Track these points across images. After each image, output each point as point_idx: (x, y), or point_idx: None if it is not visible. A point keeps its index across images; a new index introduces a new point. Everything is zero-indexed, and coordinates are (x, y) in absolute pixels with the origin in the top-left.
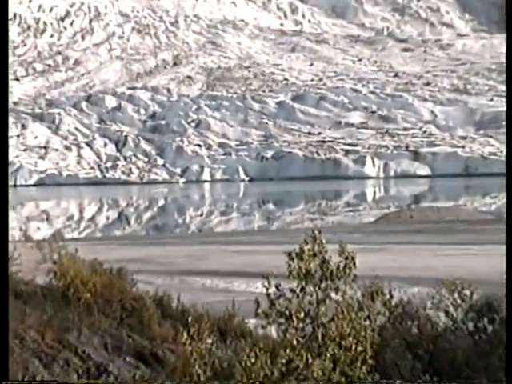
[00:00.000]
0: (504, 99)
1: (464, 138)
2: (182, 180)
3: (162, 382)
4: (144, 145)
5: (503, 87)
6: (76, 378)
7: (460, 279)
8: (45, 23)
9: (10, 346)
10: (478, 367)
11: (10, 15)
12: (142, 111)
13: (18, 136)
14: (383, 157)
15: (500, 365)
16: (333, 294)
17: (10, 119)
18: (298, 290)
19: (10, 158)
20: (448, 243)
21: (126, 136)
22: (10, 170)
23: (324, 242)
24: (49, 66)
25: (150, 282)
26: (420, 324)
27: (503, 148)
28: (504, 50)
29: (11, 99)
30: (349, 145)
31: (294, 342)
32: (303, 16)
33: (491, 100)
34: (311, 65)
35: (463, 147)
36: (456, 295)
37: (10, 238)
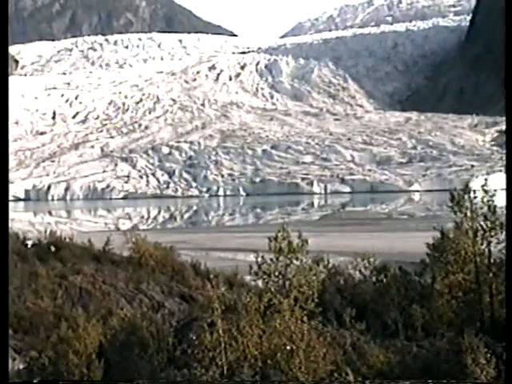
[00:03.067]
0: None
1: (370, 170)
2: (206, 195)
3: (176, 382)
4: (184, 174)
5: (394, 142)
6: (146, 309)
7: (368, 252)
8: (128, 105)
9: (108, 291)
10: (378, 303)
11: (109, 101)
12: (184, 155)
13: (112, 170)
14: (324, 181)
15: (389, 301)
16: (295, 261)
17: (107, 160)
18: (274, 259)
19: (108, 183)
20: (361, 231)
21: (174, 170)
22: (109, 190)
23: (289, 230)
24: (129, 130)
25: (188, 254)
26: (345, 278)
27: (393, 176)
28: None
29: (108, 149)
30: (304, 174)
31: (272, 289)
32: (277, 100)
33: (385, 149)
34: (282, 128)
35: (369, 176)
36: (365, 261)
37: (106, 229)
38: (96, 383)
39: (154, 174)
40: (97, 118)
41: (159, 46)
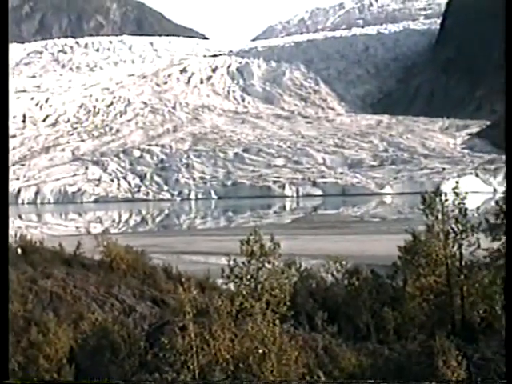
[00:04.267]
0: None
1: (341, 173)
2: (178, 198)
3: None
4: (156, 178)
5: (366, 145)
6: (117, 313)
7: (340, 255)
8: (98, 108)
9: (79, 295)
10: (350, 306)
11: (80, 104)
12: (155, 159)
13: (83, 174)
14: (296, 184)
15: (361, 304)
16: (267, 265)
17: (78, 163)
18: (246, 262)
19: (79, 187)
20: (333, 234)
21: (145, 173)
22: (79, 194)
23: (261, 234)
24: (101, 133)
25: (160, 257)
26: (317, 281)
27: (365, 179)
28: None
29: (79, 152)
30: (276, 177)
31: (244, 292)
32: (248, 103)
33: (357, 151)
34: (253, 131)
35: (341, 179)
36: (337, 264)
37: (77, 233)
38: (95, 383)
39: (125, 178)
40: (67, 122)
41: (130, 48)
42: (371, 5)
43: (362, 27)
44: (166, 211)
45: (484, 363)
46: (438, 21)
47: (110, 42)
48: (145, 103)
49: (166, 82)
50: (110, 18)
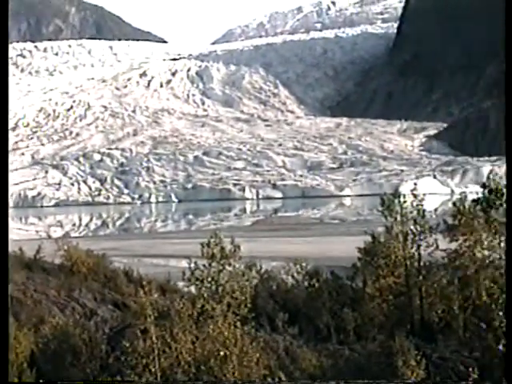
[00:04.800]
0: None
1: (301, 175)
2: (138, 202)
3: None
4: (116, 181)
5: (325, 147)
6: (78, 317)
7: (300, 257)
8: (58, 112)
9: (39, 299)
10: (310, 307)
11: (39, 108)
12: (115, 162)
13: (43, 177)
14: (256, 187)
15: (321, 306)
16: (227, 267)
17: (38, 167)
18: (207, 265)
19: (39, 191)
20: (293, 236)
21: (106, 177)
22: (40, 198)
23: (222, 236)
24: (60, 137)
25: (120, 261)
26: (277, 283)
27: (324, 181)
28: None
29: (39, 156)
30: (236, 180)
31: (205, 295)
32: (208, 106)
33: (316, 154)
34: (213, 134)
35: (301, 181)
36: (298, 266)
37: (38, 237)
38: (94, 383)
39: (85, 181)
40: (27, 126)
41: (89, 52)
42: (329, 9)
43: (321, 31)
44: (127, 214)
45: (442, 362)
46: (395, 25)
47: (70, 46)
48: (105, 107)
49: (125, 86)
50: (69, 22)
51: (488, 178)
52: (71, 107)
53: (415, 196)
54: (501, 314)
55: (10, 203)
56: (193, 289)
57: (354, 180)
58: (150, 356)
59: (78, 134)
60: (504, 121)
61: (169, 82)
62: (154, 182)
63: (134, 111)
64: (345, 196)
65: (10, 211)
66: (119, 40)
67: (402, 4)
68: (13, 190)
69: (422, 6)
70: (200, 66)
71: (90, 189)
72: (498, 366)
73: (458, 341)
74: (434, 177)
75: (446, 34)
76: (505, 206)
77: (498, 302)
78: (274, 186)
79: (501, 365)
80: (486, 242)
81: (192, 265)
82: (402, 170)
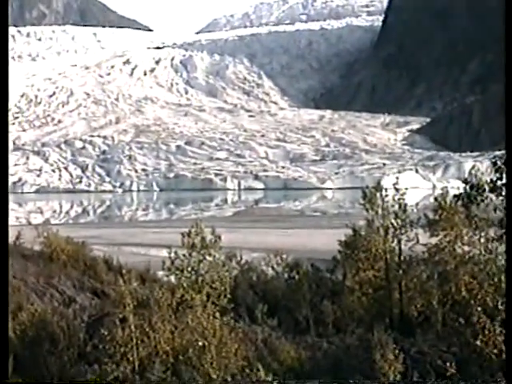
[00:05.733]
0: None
1: (283, 167)
2: (120, 190)
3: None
4: (98, 169)
5: (308, 139)
6: (57, 304)
7: (280, 248)
8: (40, 98)
9: (18, 285)
10: (290, 299)
11: (21, 93)
12: (97, 150)
13: (24, 163)
14: (237, 177)
15: (301, 298)
16: (208, 257)
17: (19, 153)
18: (187, 255)
19: (20, 177)
20: (274, 227)
21: (87, 164)
22: (20, 184)
23: (202, 226)
24: (42, 123)
25: (100, 249)
26: (257, 274)
27: (307, 173)
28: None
29: (20, 142)
30: (218, 170)
31: (185, 285)
32: (191, 95)
33: (299, 146)
34: (196, 124)
35: (283, 173)
36: (278, 258)
37: (17, 223)
38: (94, 383)
39: (66, 168)
40: (8, 111)
41: (73, 39)
42: (315, 0)
43: (306, 22)
44: (108, 203)
45: (420, 357)
46: (381, 18)
47: (53, 31)
48: (87, 94)
49: (109, 74)
50: (53, 8)
51: (470, 173)
52: (54, 93)
53: (397, 190)
54: (479, 309)
55: None
56: (172, 278)
57: (337, 173)
58: (128, 345)
59: (60, 121)
60: (485, 116)
61: (152, 70)
62: (136, 171)
63: (116, 99)
64: (327, 189)
65: None
66: (103, 27)
67: None
68: None
69: (408, 0)
70: (184, 55)
71: (71, 176)
72: (475, 361)
73: (437, 335)
74: (416, 171)
75: (431, 29)
76: (486, 201)
77: (476, 298)
78: (256, 177)
79: (477, 360)
80: (466, 238)
81: (172, 254)
82: (385, 164)
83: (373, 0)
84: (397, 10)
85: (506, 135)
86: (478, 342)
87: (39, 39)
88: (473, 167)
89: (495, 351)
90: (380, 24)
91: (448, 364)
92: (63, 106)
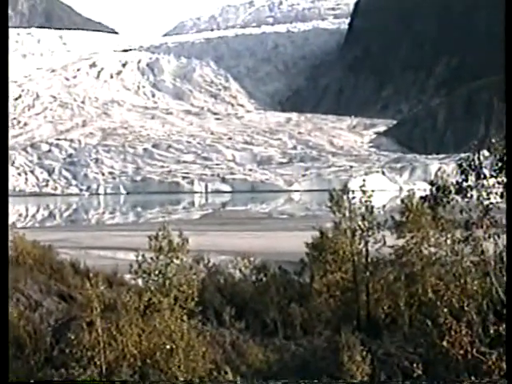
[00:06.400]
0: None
1: (250, 170)
2: (86, 193)
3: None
4: (64, 172)
5: (275, 142)
6: (23, 308)
7: (248, 251)
8: None
9: None
10: (258, 302)
11: None
12: (64, 153)
13: None
14: (205, 180)
15: (269, 300)
16: (175, 260)
17: None
18: (154, 258)
19: None
20: (242, 230)
21: (54, 167)
22: None
23: (170, 229)
24: (8, 126)
25: (67, 252)
26: (225, 277)
27: (274, 176)
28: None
29: None
30: (185, 173)
31: (152, 288)
32: (158, 98)
33: (266, 149)
34: (163, 126)
35: (250, 175)
36: (245, 260)
37: None
38: (95, 383)
39: (32, 172)
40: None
41: (39, 41)
42: (281, 3)
43: (272, 25)
44: (74, 206)
45: (387, 358)
46: (347, 21)
47: (18, 34)
48: (54, 97)
49: (75, 76)
50: (18, 10)
51: (436, 175)
52: (19, 96)
53: (364, 192)
54: (445, 310)
55: None
56: (140, 281)
57: (303, 175)
58: (95, 349)
59: (26, 124)
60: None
61: (119, 73)
62: (103, 174)
63: (83, 102)
64: (294, 191)
65: None
66: (69, 30)
67: (354, 0)
68: None
69: (374, 3)
70: (151, 58)
71: (38, 179)
72: (442, 362)
73: (404, 337)
74: (383, 173)
75: (397, 32)
76: (452, 203)
77: (443, 299)
78: (223, 180)
79: (444, 361)
80: (432, 239)
81: (139, 257)
82: (351, 166)
83: (339, 3)
84: (363, 13)
85: (506, 135)
86: (445, 343)
87: None
88: (439, 169)
89: (461, 352)
90: (346, 27)
91: (415, 365)
92: (29, 109)
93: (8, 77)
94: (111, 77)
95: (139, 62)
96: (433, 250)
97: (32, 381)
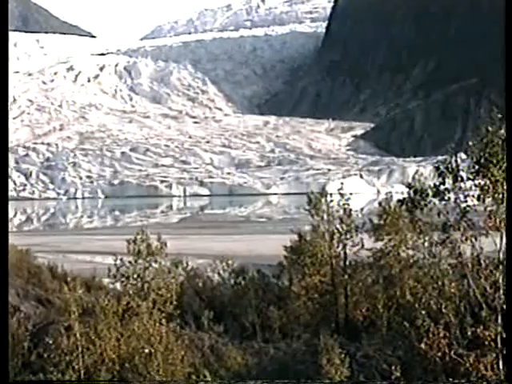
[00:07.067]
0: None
1: (228, 173)
2: (64, 197)
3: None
4: (42, 176)
5: (253, 145)
6: None
7: (226, 254)
8: None
9: None
10: (236, 305)
11: None
12: (41, 157)
13: None
14: (183, 184)
15: (247, 304)
16: (153, 264)
17: None
18: (133, 262)
19: None
20: (220, 233)
21: (31, 171)
22: None
23: (148, 233)
24: None
25: (45, 257)
26: (204, 281)
27: (252, 179)
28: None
29: None
30: (163, 177)
31: (131, 292)
32: (136, 102)
33: (244, 152)
34: (141, 130)
35: (228, 179)
36: (224, 264)
37: None
38: (96, 383)
39: (10, 176)
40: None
41: (15, 45)
42: (259, 7)
43: (250, 29)
44: (52, 210)
45: (366, 361)
46: (324, 24)
47: None
48: (31, 101)
49: (52, 80)
50: None
51: (413, 178)
52: None
53: (342, 195)
54: (423, 312)
55: None
56: (118, 285)
57: (282, 178)
58: (73, 353)
59: None
60: (427, 120)
61: (96, 76)
62: (81, 178)
63: (60, 106)
64: (272, 194)
65: None
66: (46, 33)
67: (331, 4)
68: None
69: (351, 7)
70: (128, 62)
71: (15, 183)
72: (420, 364)
73: (382, 339)
74: (361, 176)
75: (374, 35)
76: (429, 206)
77: (421, 301)
78: (202, 184)
79: (422, 363)
80: (410, 242)
81: (118, 261)
82: (329, 169)
83: (316, 6)
84: (340, 16)
85: (506, 136)
86: (423, 345)
87: None
88: (416, 172)
89: (439, 354)
90: (324, 30)
91: (393, 367)
92: None
93: (8, 77)
94: (88, 80)
95: (117, 65)
96: (411, 252)
97: (32, 380)
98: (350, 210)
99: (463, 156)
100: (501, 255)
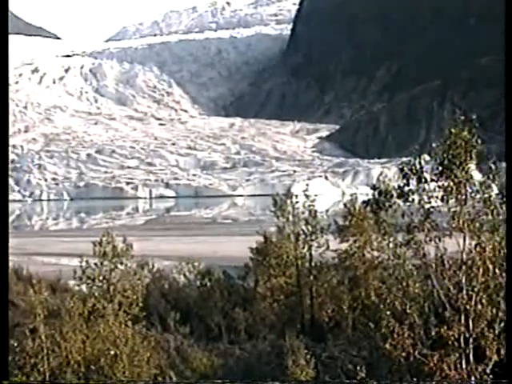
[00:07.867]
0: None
1: (194, 175)
2: (29, 199)
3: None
4: None
5: (218, 147)
6: None
7: (192, 256)
8: None
9: None
10: (202, 307)
11: None
12: None
13: None
14: (148, 185)
15: (213, 305)
16: (119, 266)
17: None
18: (99, 264)
19: None
20: (186, 235)
21: None
22: None
23: (114, 235)
24: None
25: (10, 259)
26: (169, 282)
27: (217, 181)
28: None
29: None
30: (129, 179)
31: (96, 294)
32: (101, 104)
33: (209, 153)
34: (106, 132)
35: (194, 181)
36: (190, 265)
37: None
38: (96, 383)
39: None
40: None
41: None
42: (224, 9)
43: (215, 31)
44: (17, 212)
45: (331, 361)
46: (289, 27)
47: None
48: None
49: (17, 82)
50: None
51: (378, 179)
52: None
53: (307, 197)
54: (388, 313)
55: None
56: (84, 287)
57: (247, 180)
58: (38, 355)
59: None
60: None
61: (61, 78)
62: (46, 180)
63: (25, 107)
64: (237, 196)
65: None
66: (10, 34)
67: (296, 6)
68: None
69: (316, 9)
70: (93, 64)
71: None
72: (385, 365)
73: (347, 340)
74: (326, 178)
75: (339, 37)
76: (394, 207)
77: (385, 302)
78: (167, 185)
79: (387, 363)
80: (375, 243)
81: (83, 263)
82: (295, 171)
83: (281, 9)
84: (305, 19)
85: (506, 135)
86: (388, 346)
87: None
88: (381, 173)
89: (403, 354)
90: (288, 33)
91: (358, 368)
92: None
93: (8, 79)
94: (54, 82)
95: (82, 67)
96: (375, 253)
97: (31, 380)
98: (316, 211)
99: (427, 157)
100: (464, 256)
